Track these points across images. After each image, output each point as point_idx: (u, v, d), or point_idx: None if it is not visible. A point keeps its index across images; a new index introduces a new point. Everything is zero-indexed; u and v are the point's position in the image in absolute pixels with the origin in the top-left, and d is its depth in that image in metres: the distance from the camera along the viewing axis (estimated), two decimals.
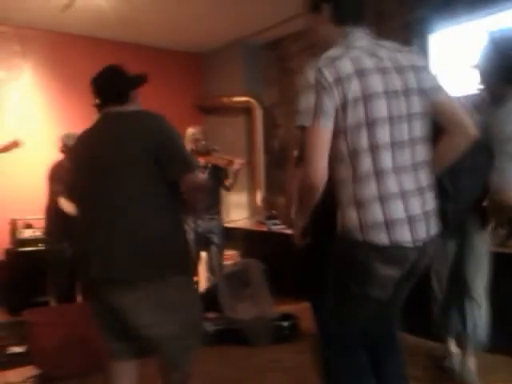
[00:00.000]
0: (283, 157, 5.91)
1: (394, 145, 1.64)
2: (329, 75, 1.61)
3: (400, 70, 1.68)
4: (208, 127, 6.29)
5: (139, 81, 2.26)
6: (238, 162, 4.34)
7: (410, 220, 1.65)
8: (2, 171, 3.73)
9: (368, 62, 1.64)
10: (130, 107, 2.18)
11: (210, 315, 3.72)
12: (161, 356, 2.14)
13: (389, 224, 1.63)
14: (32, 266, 4.49)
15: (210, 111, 6.60)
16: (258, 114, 6.05)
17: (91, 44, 5.81)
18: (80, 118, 5.12)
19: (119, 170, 2.02)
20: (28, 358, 3.29)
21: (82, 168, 2.16)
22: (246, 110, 6.19)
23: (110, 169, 2.03)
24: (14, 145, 3.60)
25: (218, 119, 6.46)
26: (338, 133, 1.63)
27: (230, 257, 4.88)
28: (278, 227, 4.92)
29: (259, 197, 5.93)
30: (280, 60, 6.17)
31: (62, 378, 3.06)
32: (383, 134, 1.63)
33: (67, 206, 3.82)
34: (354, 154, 1.63)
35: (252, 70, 6.32)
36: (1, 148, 3.49)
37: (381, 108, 1.62)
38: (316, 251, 2.33)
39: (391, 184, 1.63)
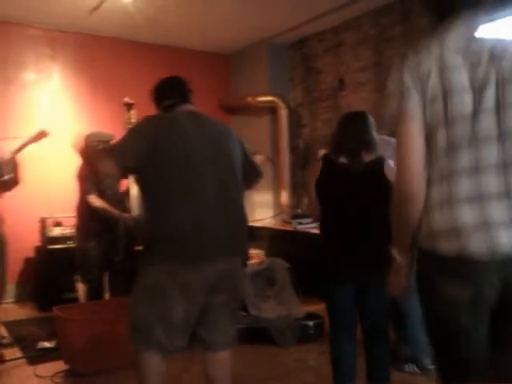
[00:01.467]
0: (308, 156, 5.91)
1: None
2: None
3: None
4: (233, 127, 6.33)
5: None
6: (259, 158, 4.37)
7: (488, 227, 1.38)
8: (32, 170, 3.80)
9: None
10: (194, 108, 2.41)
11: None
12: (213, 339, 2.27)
13: (457, 231, 1.40)
14: (61, 263, 4.57)
15: (235, 111, 6.63)
16: (283, 114, 6.05)
17: (118, 45, 5.90)
18: (107, 118, 5.24)
19: (218, 168, 2.22)
20: (57, 353, 3.36)
21: (172, 155, 2.18)
22: (271, 110, 6.19)
23: (208, 164, 2.20)
24: (42, 135, 3.62)
25: (243, 119, 6.48)
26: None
27: (255, 256, 4.89)
28: (304, 226, 4.91)
29: (284, 196, 5.92)
30: (305, 59, 6.17)
31: (89, 374, 3.12)
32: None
33: (98, 203, 3.90)
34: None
35: (277, 70, 6.33)
36: (29, 139, 3.53)
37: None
38: None
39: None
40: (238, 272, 2.29)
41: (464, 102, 1.43)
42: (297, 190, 6.03)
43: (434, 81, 1.45)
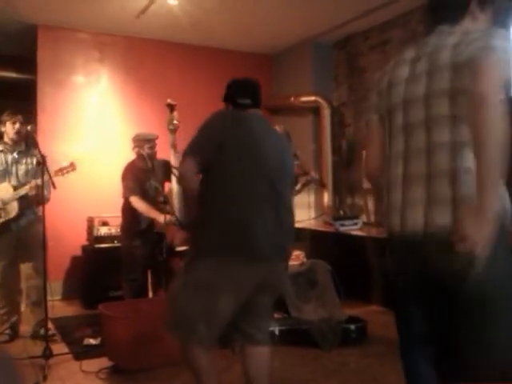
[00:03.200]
0: (351, 157, 5.83)
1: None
2: None
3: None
4: (274, 125, 6.32)
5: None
6: (312, 175, 4.43)
7: None
8: (80, 171, 3.91)
9: None
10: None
11: (276, 315, 3.72)
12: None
13: None
14: (107, 261, 4.68)
15: (279, 111, 6.61)
16: (327, 114, 5.98)
17: (163, 48, 6.00)
18: (154, 119, 5.33)
19: (273, 171, 2.27)
20: (102, 350, 3.44)
21: (235, 149, 2.25)
22: (314, 110, 6.14)
23: (268, 167, 2.26)
24: (71, 167, 3.73)
25: (285, 119, 6.44)
26: None
27: (296, 257, 4.85)
28: (346, 228, 4.85)
29: (326, 197, 5.86)
30: (350, 58, 6.08)
31: (133, 371, 3.18)
32: None
33: (139, 204, 3.97)
34: None
35: (321, 69, 6.27)
36: (57, 170, 3.65)
37: None
38: None
39: None
40: (282, 274, 2.39)
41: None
42: (339, 190, 5.96)
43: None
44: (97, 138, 5.62)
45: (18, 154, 3.79)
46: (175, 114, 4.13)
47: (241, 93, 2.46)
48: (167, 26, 5.50)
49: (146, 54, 5.93)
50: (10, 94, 6.03)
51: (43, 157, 3.32)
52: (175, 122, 4.12)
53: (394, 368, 2.40)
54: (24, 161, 3.82)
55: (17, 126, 3.74)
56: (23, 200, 3.69)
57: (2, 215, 3.65)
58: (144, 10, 5.05)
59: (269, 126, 2.48)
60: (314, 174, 4.80)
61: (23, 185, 3.66)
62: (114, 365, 3.28)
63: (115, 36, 5.77)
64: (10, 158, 3.76)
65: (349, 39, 6.06)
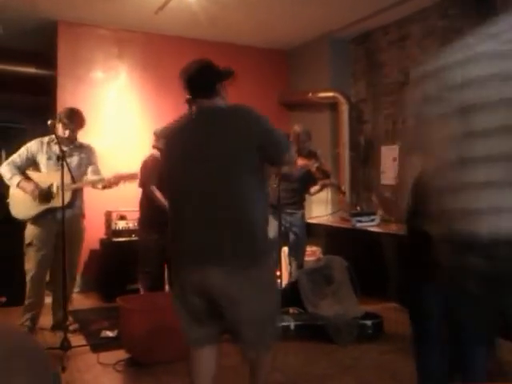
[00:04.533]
0: (369, 153, 5.79)
1: None
2: None
3: None
4: (294, 123, 6.30)
5: (226, 74, 2.30)
6: (331, 181, 4.44)
7: None
8: (99, 165, 3.97)
9: None
10: (219, 102, 2.22)
11: (292, 310, 3.72)
12: (245, 340, 2.16)
13: None
14: (125, 255, 4.73)
15: (296, 107, 6.60)
16: (345, 110, 5.95)
17: (182, 44, 6.01)
18: (172, 115, 5.32)
19: (220, 166, 2.08)
20: (119, 343, 3.48)
21: (174, 161, 2.23)
22: (332, 106, 6.11)
23: (209, 165, 2.09)
24: (132, 177, 3.81)
25: (303, 115, 6.44)
26: None
27: (313, 253, 4.85)
28: (363, 224, 4.82)
29: (345, 193, 5.84)
30: (368, 54, 6.03)
31: (150, 364, 3.20)
32: None
33: (158, 194, 4.01)
34: None
35: (339, 65, 6.23)
36: (119, 176, 3.75)
37: None
38: None
39: None
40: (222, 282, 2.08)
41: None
42: (357, 186, 5.93)
43: None
44: (115, 133, 5.67)
45: (70, 146, 3.82)
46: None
47: (184, 85, 2.25)
48: (185, 22, 5.52)
49: (164, 50, 5.96)
50: (30, 89, 6.14)
51: (63, 152, 3.37)
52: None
53: (409, 364, 2.41)
54: (76, 153, 3.86)
55: (67, 132, 3.77)
56: (75, 192, 3.76)
57: (54, 201, 3.67)
58: (163, 7, 5.08)
59: (210, 117, 2.18)
60: (333, 180, 4.78)
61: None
62: (130, 357, 3.31)
63: (134, 32, 5.81)
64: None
65: (367, 35, 6.01)
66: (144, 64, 5.89)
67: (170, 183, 2.27)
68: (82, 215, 3.95)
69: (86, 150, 3.94)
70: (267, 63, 6.62)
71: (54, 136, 3.59)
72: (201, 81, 2.24)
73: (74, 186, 3.62)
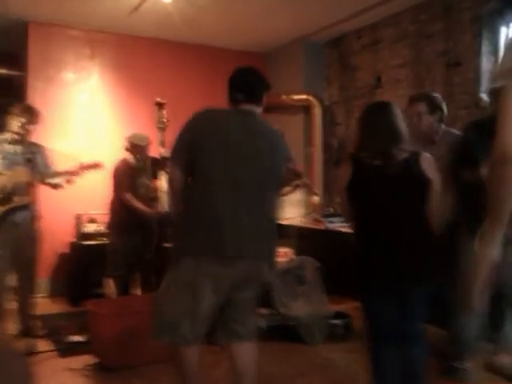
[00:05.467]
0: (342, 155, 5.83)
1: None
2: None
3: None
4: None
5: (269, 86, 2.46)
6: (304, 182, 4.45)
7: None
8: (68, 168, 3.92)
9: None
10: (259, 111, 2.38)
11: (264, 311, 3.72)
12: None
13: None
14: (94, 258, 4.65)
15: (270, 109, 6.58)
16: (318, 112, 5.98)
17: (156, 45, 5.98)
18: (144, 117, 5.31)
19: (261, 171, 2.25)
20: (88, 347, 3.42)
21: (212, 149, 2.23)
22: (306, 108, 6.14)
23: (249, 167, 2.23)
24: (96, 166, 3.74)
25: (277, 117, 6.45)
26: None
27: (285, 254, 4.85)
28: (335, 225, 4.84)
29: (317, 194, 5.87)
30: (341, 57, 6.09)
31: (119, 368, 3.16)
32: None
33: (132, 201, 3.99)
34: None
35: (313, 68, 6.27)
36: (81, 166, 3.66)
37: None
38: None
39: None
40: (263, 272, 2.33)
41: None
42: (329, 188, 5.96)
43: None
44: (86, 134, 5.59)
45: (21, 145, 3.71)
46: (164, 112, 4.12)
47: (234, 86, 2.37)
48: (160, 24, 5.48)
49: (137, 52, 5.91)
50: (0, 90, 6.03)
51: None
52: (164, 120, 4.11)
53: None
54: (30, 152, 3.74)
55: (18, 126, 3.66)
56: (31, 194, 3.68)
57: (16, 200, 3.57)
58: (137, 7, 5.03)
59: (257, 123, 2.35)
60: (306, 181, 4.78)
61: None
62: (99, 362, 3.27)
63: (107, 33, 5.74)
64: (16, 148, 3.67)
65: (340, 38, 6.06)
66: (116, 65, 5.83)
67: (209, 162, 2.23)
68: (38, 217, 3.81)
69: (39, 150, 3.82)
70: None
71: (7, 135, 3.53)
72: (262, 87, 2.40)
73: (37, 183, 3.57)
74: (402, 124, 2.28)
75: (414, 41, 5.15)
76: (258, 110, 2.36)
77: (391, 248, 2.23)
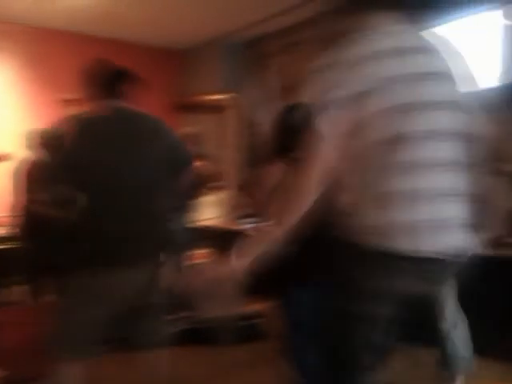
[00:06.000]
0: (259, 155, 5.91)
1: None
2: None
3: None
4: (184, 125, 6.28)
5: (132, 77, 2.34)
6: (220, 182, 4.46)
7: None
8: None
9: None
10: (125, 103, 2.27)
11: (176, 315, 3.72)
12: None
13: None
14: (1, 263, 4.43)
15: (187, 109, 6.57)
16: (236, 112, 6.04)
17: (69, 39, 5.76)
18: (52, 112, 5.09)
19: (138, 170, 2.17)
20: None
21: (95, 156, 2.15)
22: (223, 108, 6.17)
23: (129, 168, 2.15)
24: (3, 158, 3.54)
25: (194, 117, 6.44)
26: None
27: (202, 256, 4.87)
28: (251, 225, 4.92)
29: (233, 195, 5.93)
30: (261, 58, 6.16)
31: (28, 380, 3.05)
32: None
33: (39, 204, 3.82)
34: None
35: (232, 68, 6.30)
36: None
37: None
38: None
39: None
40: (161, 277, 2.31)
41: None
42: (246, 189, 6.03)
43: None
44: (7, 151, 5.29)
45: None
46: (74, 108, 4.00)
47: (97, 82, 2.27)
48: (74, 17, 5.28)
49: (50, 46, 5.66)
50: None
51: None
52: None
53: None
54: None
55: None
56: None
57: None
58: None
59: (131, 119, 2.23)
60: (222, 182, 4.81)
61: None
62: (8, 374, 3.11)
63: (19, 25, 5.44)
64: None
65: (259, 39, 6.13)
66: (30, 59, 5.55)
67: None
68: None
69: None
70: (161, 62, 6.53)
71: None
72: (111, 82, 2.27)
73: None
74: None
75: (333, 43, 5.29)
76: (122, 102, 2.27)
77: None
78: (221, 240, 5.20)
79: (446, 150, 1.39)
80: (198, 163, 4.34)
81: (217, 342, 3.59)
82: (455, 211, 1.40)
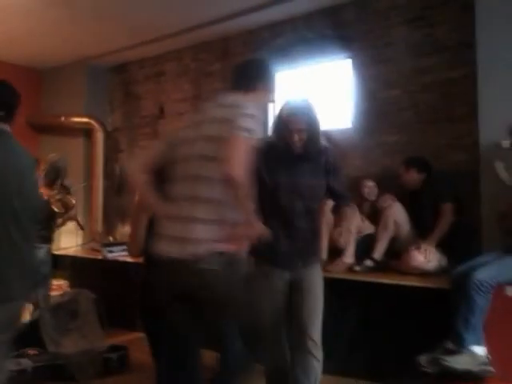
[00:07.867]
0: (123, 182, 5.79)
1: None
2: None
3: None
4: (43, 147, 5.93)
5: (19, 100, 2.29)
6: (71, 215, 4.26)
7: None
8: None
9: None
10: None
11: (31, 351, 3.43)
12: None
13: None
14: None
15: (47, 130, 6.23)
16: (99, 137, 5.86)
17: None
18: None
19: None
20: None
21: None
22: (87, 132, 5.97)
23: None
24: None
25: (54, 139, 6.12)
26: None
27: (59, 287, 4.58)
28: (114, 254, 4.76)
29: (96, 223, 5.70)
30: (125, 84, 6.10)
31: None
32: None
33: None
34: None
35: (95, 92, 6.14)
36: None
37: None
38: None
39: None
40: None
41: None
42: (110, 216, 5.84)
43: None
44: None
45: None
46: None
47: None
48: None
49: None
50: None
51: None
52: None
53: None
54: None
55: None
56: None
57: None
58: None
59: (13, 146, 2.19)
60: (73, 213, 4.52)
61: None
62: None
63: None
64: None
65: (124, 66, 6.09)
66: None
67: None
68: None
69: None
70: (18, 81, 6.07)
71: None
72: (18, 103, 2.31)
73: None
74: None
75: (194, 77, 5.44)
76: (9, 128, 2.22)
77: None
78: (79, 269, 4.96)
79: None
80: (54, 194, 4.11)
81: (74, 379, 3.35)
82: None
